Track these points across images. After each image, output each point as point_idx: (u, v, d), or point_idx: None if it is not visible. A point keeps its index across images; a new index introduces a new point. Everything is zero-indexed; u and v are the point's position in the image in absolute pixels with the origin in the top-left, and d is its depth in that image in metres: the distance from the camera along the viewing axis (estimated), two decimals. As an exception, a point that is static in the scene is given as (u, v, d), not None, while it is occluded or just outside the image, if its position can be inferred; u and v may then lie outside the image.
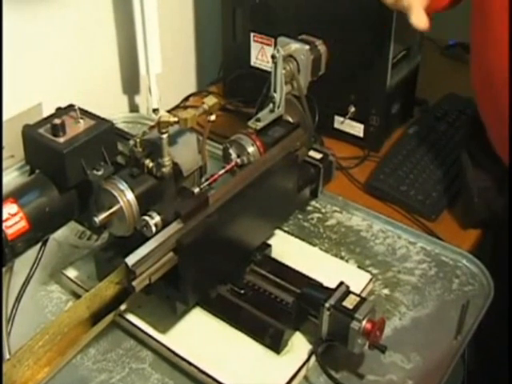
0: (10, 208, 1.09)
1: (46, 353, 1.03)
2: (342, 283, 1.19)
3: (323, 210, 1.54)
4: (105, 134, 1.16)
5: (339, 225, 1.51)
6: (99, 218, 1.10)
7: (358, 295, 1.18)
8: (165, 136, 1.12)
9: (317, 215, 1.53)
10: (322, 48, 1.37)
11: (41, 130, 1.14)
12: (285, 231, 1.45)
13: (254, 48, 1.79)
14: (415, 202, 1.58)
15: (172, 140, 1.17)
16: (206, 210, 1.14)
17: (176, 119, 1.12)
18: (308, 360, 1.18)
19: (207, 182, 1.20)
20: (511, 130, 1.18)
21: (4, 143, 1.51)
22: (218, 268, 1.21)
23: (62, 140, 1.11)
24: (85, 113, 1.18)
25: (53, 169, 1.13)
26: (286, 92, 1.34)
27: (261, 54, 1.78)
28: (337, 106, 1.75)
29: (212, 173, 1.23)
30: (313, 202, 1.54)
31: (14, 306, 1.20)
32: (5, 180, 1.48)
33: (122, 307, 1.20)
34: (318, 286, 1.24)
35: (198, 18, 2.07)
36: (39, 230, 1.13)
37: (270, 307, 1.23)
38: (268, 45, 1.75)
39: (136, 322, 1.23)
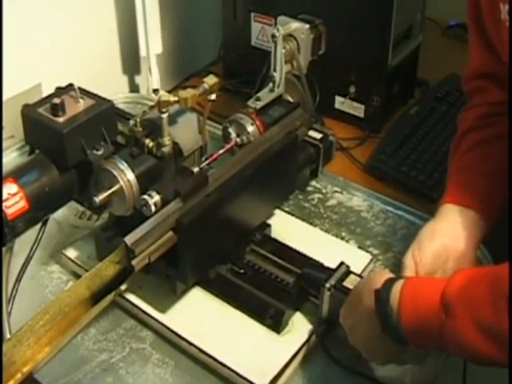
0: (9, 188, 1.08)
1: (47, 332, 1.03)
2: (342, 263, 1.19)
3: (324, 191, 1.54)
4: (105, 113, 1.15)
5: (340, 205, 1.51)
6: (99, 197, 1.10)
7: (359, 275, 1.18)
8: (165, 116, 1.12)
9: (317, 196, 1.53)
10: (322, 27, 1.36)
11: (40, 110, 1.14)
12: (285, 211, 1.45)
13: (255, 28, 1.78)
14: (416, 182, 1.57)
15: (172, 120, 1.17)
16: (206, 189, 1.14)
17: (176, 99, 1.12)
18: (308, 340, 1.18)
19: (207, 162, 1.19)
20: (510, 134, 1.16)
21: (4, 123, 1.51)
22: (217, 247, 1.21)
23: (61, 120, 1.11)
24: (85, 92, 1.17)
25: (52, 149, 1.13)
26: (286, 71, 1.33)
27: (261, 34, 1.77)
28: (337, 87, 1.74)
29: (212, 153, 1.23)
30: (313, 183, 1.54)
31: (14, 287, 1.21)
32: (5, 160, 1.48)
33: (123, 287, 1.20)
34: (319, 266, 1.24)
35: (198, -2, 2.06)
36: (39, 209, 1.13)
37: (271, 287, 1.23)
38: (268, 25, 1.74)
39: (136, 302, 1.23)
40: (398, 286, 0.98)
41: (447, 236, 1.13)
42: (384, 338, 1.00)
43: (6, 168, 1.13)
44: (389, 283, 1.00)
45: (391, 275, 1.04)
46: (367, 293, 1.03)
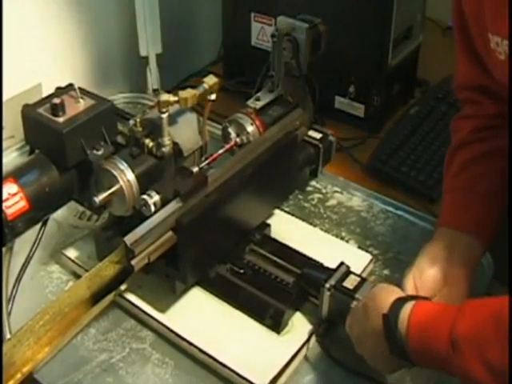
0: (9, 188, 1.09)
1: (47, 332, 1.04)
2: (342, 263, 1.19)
3: (324, 191, 1.54)
4: (105, 113, 1.15)
5: (340, 205, 1.51)
6: (99, 197, 1.10)
7: (359, 275, 1.18)
8: (165, 116, 1.12)
9: (317, 196, 1.53)
10: (321, 27, 1.36)
11: (40, 110, 1.14)
12: (285, 211, 1.45)
13: (255, 28, 1.78)
14: (416, 182, 1.57)
15: (172, 120, 1.17)
16: (206, 189, 1.14)
17: (176, 98, 1.12)
18: (308, 340, 1.18)
19: (207, 162, 1.19)
20: (510, 135, 1.16)
21: (4, 123, 1.51)
22: (217, 247, 1.22)
23: (61, 120, 1.11)
24: (85, 92, 1.17)
25: (52, 149, 1.13)
26: (286, 71, 1.33)
27: (261, 34, 1.77)
28: (337, 87, 1.74)
29: (212, 153, 1.23)
30: (313, 183, 1.54)
31: (14, 287, 1.21)
32: (5, 160, 1.48)
33: (122, 287, 1.20)
34: (319, 266, 1.24)
35: (198, -2, 2.06)
36: (39, 209, 1.13)
37: (270, 287, 1.23)
38: (268, 25, 1.74)
39: (136, 302, 1.23)
40: (406, 311, 0.98)
41: (445, 261, 1.14)
42: (391, 356, 1.01)
43: (6, 168, 1.13)
44: (397, 305, 1.00)
45: (398, 294, 1.04)
46: (374, 313, 1.03)
